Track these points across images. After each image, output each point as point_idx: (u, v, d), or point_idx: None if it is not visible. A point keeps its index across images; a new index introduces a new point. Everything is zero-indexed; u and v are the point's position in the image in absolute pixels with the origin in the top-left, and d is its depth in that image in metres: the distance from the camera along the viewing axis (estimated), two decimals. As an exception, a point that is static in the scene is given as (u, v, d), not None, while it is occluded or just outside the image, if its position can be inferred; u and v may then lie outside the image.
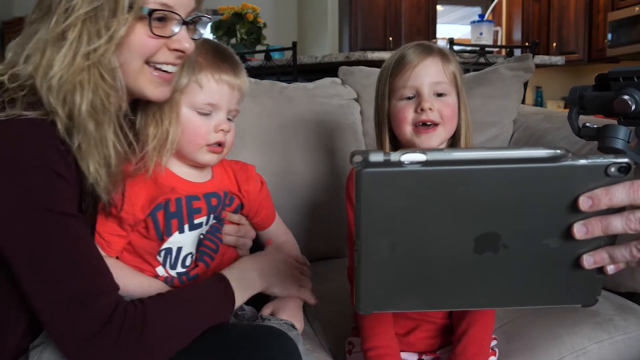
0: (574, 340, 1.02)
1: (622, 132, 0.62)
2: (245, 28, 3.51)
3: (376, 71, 1.70)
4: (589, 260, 0.53)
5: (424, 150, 0.47)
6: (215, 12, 3.77)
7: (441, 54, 0.97)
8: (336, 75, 1.72)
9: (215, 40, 1.10)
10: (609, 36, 4.91)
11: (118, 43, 0.71)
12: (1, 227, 0.67)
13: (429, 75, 0.94)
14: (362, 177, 0.47)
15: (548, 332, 1.03)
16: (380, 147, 1.00)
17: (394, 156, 0.47)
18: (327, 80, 1.65)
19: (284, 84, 1.58)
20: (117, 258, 0.88)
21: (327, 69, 2.82)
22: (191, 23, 0.80)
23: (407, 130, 0.95)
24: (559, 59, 3.46)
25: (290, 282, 0.91)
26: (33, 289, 0.68)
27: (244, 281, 0.86)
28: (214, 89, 0.88)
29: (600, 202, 0.49)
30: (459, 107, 0.98)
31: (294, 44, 2.84)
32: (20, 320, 0.76)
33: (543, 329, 1.04)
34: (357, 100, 1.62)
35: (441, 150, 0.48)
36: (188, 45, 0.78)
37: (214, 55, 0.89)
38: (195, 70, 0.86)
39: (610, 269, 0.54)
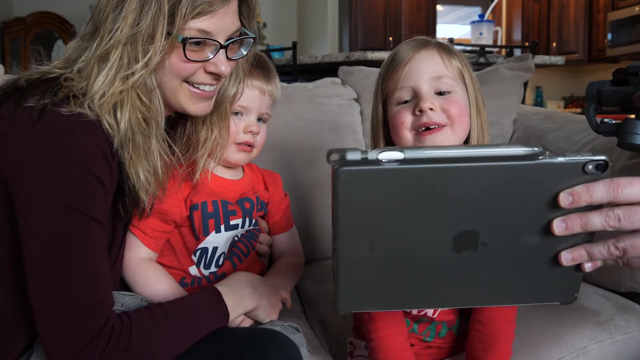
0: (574, 340, 1.02)
1: None
2: (245, 28, 3.51)
3: (376, 71, 1.70)
4: (567, 257, 0.53)
5: (401, 148, 0.47)
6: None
7: (440, 46, 0.85)
8: (336, 75, 1.72)
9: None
10: (609, 36, 4.91)
11: (154, 68, 0.74)
12: (26, 216, 0.68)
13: (426, 70, 0.81)
14: (339, 176, 0.47)
15: (548, 332, 1.03)
16: None
17: (372, 154, 0.47)
18: (327, 80, 1.65)
19: (284, 84, 1.58)
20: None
21: (327, 69, 2.82)
22: (234, 42, 0.81)
23: (408, 137, 0.82)
24: (559, 59, 3.47)
25: (272, 309, 0.91)
26: (36, 285, 0.68)
27: (236, 297, 0.84)
28: (245, 92, 0.91)
29: (580, 199, 0.49)
30: (470, 106, 0.85)
31: (294, 44, 2.83)
32: (19, 343, 0.76)
33: (543, 329, 1.04)
34: (357, 100, 1.62)
35: (419, 148, 0.48)
36: (224, 68, 0.79)
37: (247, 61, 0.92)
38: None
39: (588, 266, 0.54)
